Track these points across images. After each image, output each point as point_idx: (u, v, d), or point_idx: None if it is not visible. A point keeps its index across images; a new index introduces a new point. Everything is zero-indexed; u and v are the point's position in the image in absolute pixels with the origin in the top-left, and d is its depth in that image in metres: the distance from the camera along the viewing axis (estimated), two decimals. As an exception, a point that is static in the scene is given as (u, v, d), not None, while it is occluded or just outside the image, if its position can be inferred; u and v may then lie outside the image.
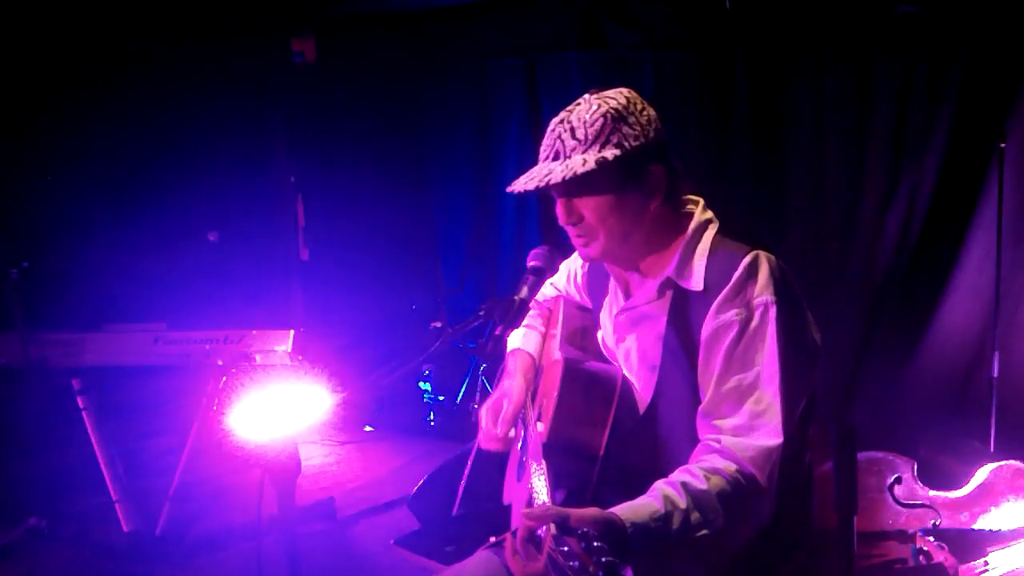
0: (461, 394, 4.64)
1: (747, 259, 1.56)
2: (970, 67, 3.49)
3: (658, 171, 1.62)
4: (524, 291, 1.69)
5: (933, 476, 2.52)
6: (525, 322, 2.07)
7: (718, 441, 1.51)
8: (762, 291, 1.54)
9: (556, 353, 1.87)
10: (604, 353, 1.87)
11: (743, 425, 1.50)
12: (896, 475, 2.48)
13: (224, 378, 3.07)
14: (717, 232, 1.65)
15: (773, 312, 1.53)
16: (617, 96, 1.62)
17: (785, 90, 3.92)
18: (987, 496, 2.46)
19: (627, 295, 1.76)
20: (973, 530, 2.43)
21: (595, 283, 1.93)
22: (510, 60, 4.75)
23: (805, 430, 1.67)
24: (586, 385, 1.68)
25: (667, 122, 1.67)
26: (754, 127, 3.99)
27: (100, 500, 3.37)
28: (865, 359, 3.83)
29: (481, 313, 1.70)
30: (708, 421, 1.54)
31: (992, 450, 3.18)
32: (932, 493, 2.48)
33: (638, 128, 1.59)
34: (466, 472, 2.07)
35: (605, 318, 1.86)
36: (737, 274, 1.55)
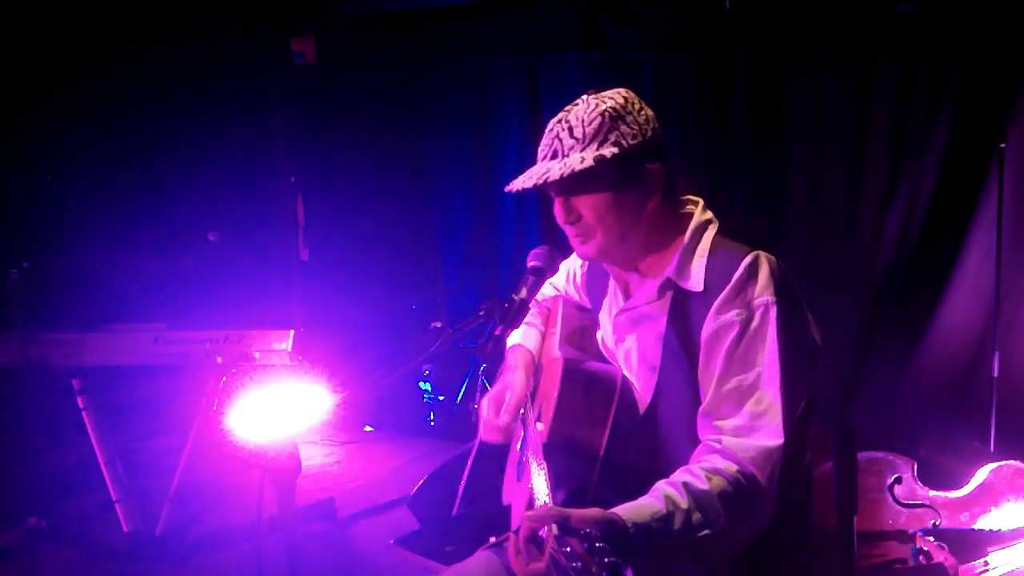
0: (461, 394, 4.64)
1: (747, 259, 1.56)
2: (970, 67, 3.49)
3: (656, 170, 1.62)
4: (524, 291, 1.69)
5: (933, 476, 2.52)
6: (525, 320, 2.07)
7: (719, 441, 1.51)
8: (762, 292, 1.54)
9: (555, 351, 1.87)
10: (603, 353, 1.87)
11: (744, 426, 1.50)
12: (896, 475, 2.48)
13: (224, 378, 3.07)
14: (717, 232, 1.66)
15: (773, 313, 1.53)
16: (615, 96, 1.63)
17: (785, 90, 3.92)
18: (987, 496, 2.46)
19: (627, 295, 1.76)
20: (973, 530, 2.43)
21: (594, 283, 1.93)
22: (510, 60, 4.75)
23: (805, 430, 1.67)
24: (586, 385, 1.68)
25: (667, 122, 1.68)
26: (754, 127, 3.99)
27: (100, 500, 3.36)
28: (865, 359, 3.83)
29: (481, 313, 1.70)
30: (709, 421, 1.55)
31: (992, 450, 3.18)
32: (932, 493, 2.48)
33: (636, 127, 1.60)
34: (466, 472, 2.07)
35: (604, 318, 1.86)
36: (737, 275, 1.55)
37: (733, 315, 1.53)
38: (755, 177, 4.01)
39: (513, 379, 1.90)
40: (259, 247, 4.82)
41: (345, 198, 5.12)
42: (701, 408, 1.56)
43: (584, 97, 1.65)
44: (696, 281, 1.61)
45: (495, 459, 2.03)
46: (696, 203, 1.71)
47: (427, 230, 5.31)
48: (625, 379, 1.72)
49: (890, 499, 2.46)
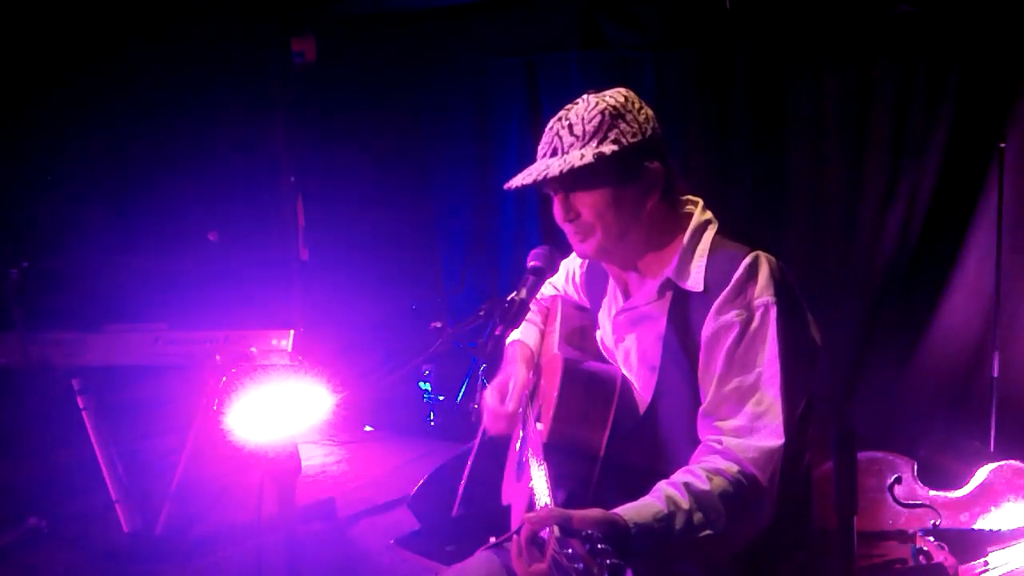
0: (461, 394, 4.64)
1: (747, 260, 1.56)
2: (970, 67, 3.50)
3: (656, 168, 1.62)
4: (524, 291, 1.69)
5: (933, 476, 2.53)
6: (524, 318, 2.07)
7: (719, 442, 1.51)
8: (762, 292, 1.54)
9: (554, 349, 1.87)
10: (603, 353, 1.87)
11: (744, 426, 1.50)
12: (896, 475, 2.48)
13: (224, 378, 3.07)
14: (717, 233, 1.66)
15: (774, 313, 1.53)
16: (615, 95, 1.64)
17: (785, 90, 3.92)
18: (987, 496, 2.46)
19: (626, 295, 1.76)
20: (973, 530, 2.44)
21: (594, 283, 1.93)
22: (510, 60, 4.75)
23: (805, 430, 1.67)
24: (586, 385, 1.68)
25: (667, 122, 1.68)
26: (754, 127, 3.99)
27: (100, 500, 3.36)
28: (865, 359, 3.83)
29: (481, 313, 1.70)
30: (709, 422, 1.54)
31: (992, 450, 3.18)
32: (932, 493, 2.48)
33: (636, 125, 1.60)
34: (466, 472, 2.07)
35: (604, 318, 1.86)
36: (737, 275, 1.55)
37: (733, 315, 1.53)
38: (755, 177, 4.01)
39: (515, 370, 1.90)
40: (259, 247, 4.81)
41: (345, 198, 5.12)
42: (701, 408, 1.56)
43: (585, 96, 1.66)
44: (696, 281, 1.61)
45: (495, 459, 2.03)
46: (696, 203, 1.71)
47: (427, 230, 5.31)
48: (625, 379, 1.72)
49: (890, 499, 2.46)
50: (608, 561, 1.11)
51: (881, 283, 3.80)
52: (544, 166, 1.61)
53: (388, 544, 3.18)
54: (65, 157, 4.27)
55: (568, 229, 1.68)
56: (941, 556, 2.36)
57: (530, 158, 1.67)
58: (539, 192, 1.61)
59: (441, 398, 4.76)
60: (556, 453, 1.57)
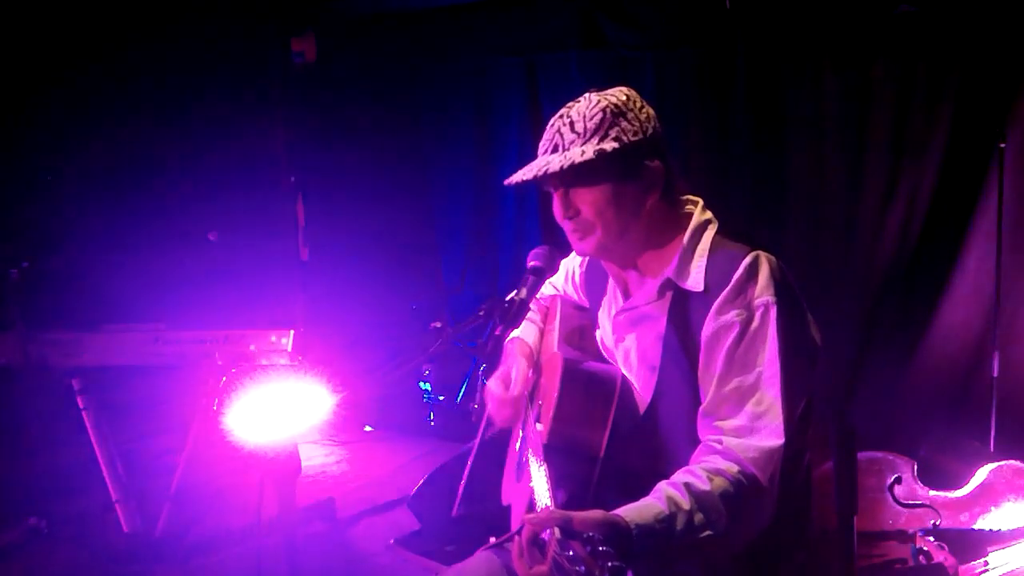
0: (461, 394, 4.64)
1: (747, 260, 1.56)
2: (970, 67, 3.50)
3: (656, 167, 1.63)
4: (524, 291, 1.69)
5: (933, 476, 2.53)
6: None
7: (720, 442, 1.51)
8: (763, 292, 1.54)
9: (554, 348, 1.87)
10: (603, 353, 1.87)
11: (744, 426, 1.50)
12: (896, 475, 2.48)
13: (224, 378, 3.07)
14: (717, 232, 1.66)
15: (774, 313, 1.53)
16: (617, 93, 1.64)
17: (785, 90, 3.92)
18: (987, 496, 2.46)
19: (626, 295, 1.76)
20: (973, 530, 2.44)
21: (593, 283, 1.93)
22: (510, 59, 4.75)
23: (805, 430, 1.67)
24: (586, 385, 1.68)
25: (667, 122, 1.68)
26: (754, 127, 3.99)
27: (100, 500, 3.36)
28: (865, 359, 3.83)
29: (481, 313, 1.70)
30: (709, 422, 1.54)
31: (992, 450, 3.18)
32: (932, 493, 2.48)
33: (636, 124, 1.61)
34: (466, 472, 2.07)
35: (604, 318, 1.86)
36: (737, 275, 1.55)
37: (733, 315, 1.53)
38: (755, 177, 4.01)
39: (515, 362, 1.90)
40: (259, 247, 4.81)
41: (345, 198, 5.11)
42: (701, 408, 1.56)
43: (586, 94, 1.66)
44: (696, 281, 1.61)
45: (495, 459, 2.03)
46: (696, 203, 1.71)
47: (427, 230, 5.31)
48: (625, 379, 1.72)
49: (890, 499, 2.46)
50: (610, 563, 1.11)
51: (881, 283, 3.80)
52: (545, 162, 1.61)
53: (388, 544, 3.18)
54: (65, 157, 4.26)
55: (568, 226, 1.67)
56: (941, 556, 2.36)
57: (530, 158, 1.67)
58: (539, 191, 1.61)
59: (441, 398, 4.75)
60: (556, 453, 1.57)
